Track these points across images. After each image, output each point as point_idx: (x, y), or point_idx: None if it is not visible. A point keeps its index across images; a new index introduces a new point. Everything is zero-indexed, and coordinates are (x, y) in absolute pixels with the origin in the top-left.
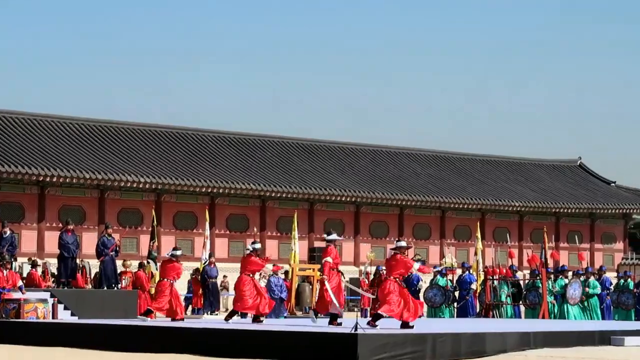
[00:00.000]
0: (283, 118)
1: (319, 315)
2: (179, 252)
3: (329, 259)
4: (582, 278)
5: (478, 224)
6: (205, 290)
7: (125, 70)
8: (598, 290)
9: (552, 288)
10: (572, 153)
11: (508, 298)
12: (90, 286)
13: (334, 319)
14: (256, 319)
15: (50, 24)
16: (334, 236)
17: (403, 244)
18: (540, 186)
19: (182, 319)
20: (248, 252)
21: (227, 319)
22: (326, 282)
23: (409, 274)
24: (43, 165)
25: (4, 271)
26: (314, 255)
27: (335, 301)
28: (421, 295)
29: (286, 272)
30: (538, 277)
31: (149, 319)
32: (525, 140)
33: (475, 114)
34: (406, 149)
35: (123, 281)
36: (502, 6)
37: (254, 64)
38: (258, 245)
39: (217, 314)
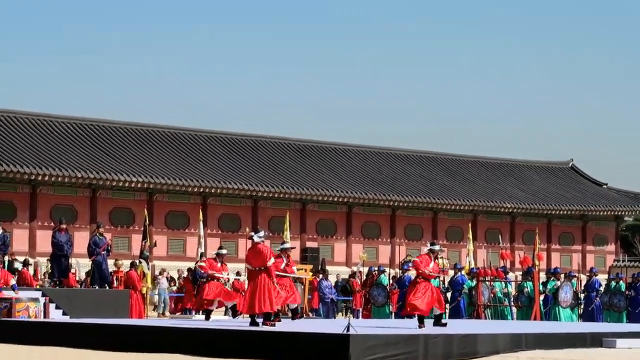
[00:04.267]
0: (275, 118)
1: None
2: (223, 251)
3: (273, 259)
4: (573, 280)
5: (470, 225)
6: (196, 289)
7: (117, 70)
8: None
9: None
10: (564, 155)
11: (504, 298)
12: (79, 286)
13: (267, 318)
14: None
15: (41, 23)
16: (262, 233)
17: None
18: (532, 188)
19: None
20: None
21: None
22: (276, 284)
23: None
24: (35, 164)
25: None
26: (306, 256)
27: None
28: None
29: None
30: (530, 279)
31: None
32: (517, 141)
33: (466, 115)
34: (398, 150)
35: (115, 280)
36: (495, 5)
37: (246, 63)
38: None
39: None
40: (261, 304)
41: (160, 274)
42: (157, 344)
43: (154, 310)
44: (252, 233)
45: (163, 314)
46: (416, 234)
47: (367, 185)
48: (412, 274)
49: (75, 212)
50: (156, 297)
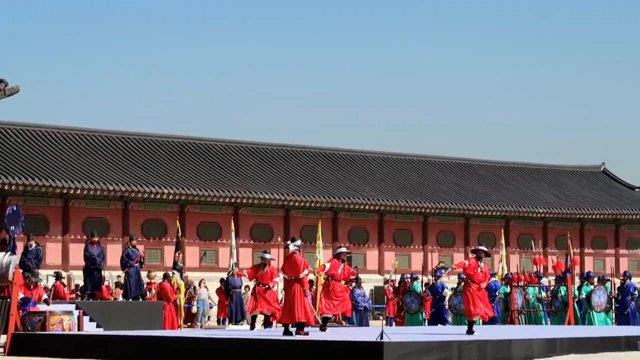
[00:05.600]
0: (305, 127)
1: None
2: (267, 256)
3: (306, 271)
4: (607, 284)
5: (502, 230)
6: (229, 300)
7: (148, 82)
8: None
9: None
10: (596, 159)
11: (537, 303)
12: (113, 298)
13: (301, 328)
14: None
15: (70, 37)
16: (299, 242)
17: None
18: (564, 192)
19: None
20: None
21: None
22: (309, 295)
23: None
24: (67, 177)
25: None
26: None
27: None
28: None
29: (311, 281)
30: (563, 283)
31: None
32: (549, 146)
33: (497, 120)
34: (428, 157)
35: (148, 292)
36: (523, 9)
37: (275, 74)
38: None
39: (241, 324)
40: (299, 313)
41: (199, 285)
42: (191, 355)
43: (194, 321)
44: (289, 242)
45: (201, 325)
46: (448, 241)
47: (398, 192)
48: (444, 280)
49: (108, 224)
50: (194, 309)
